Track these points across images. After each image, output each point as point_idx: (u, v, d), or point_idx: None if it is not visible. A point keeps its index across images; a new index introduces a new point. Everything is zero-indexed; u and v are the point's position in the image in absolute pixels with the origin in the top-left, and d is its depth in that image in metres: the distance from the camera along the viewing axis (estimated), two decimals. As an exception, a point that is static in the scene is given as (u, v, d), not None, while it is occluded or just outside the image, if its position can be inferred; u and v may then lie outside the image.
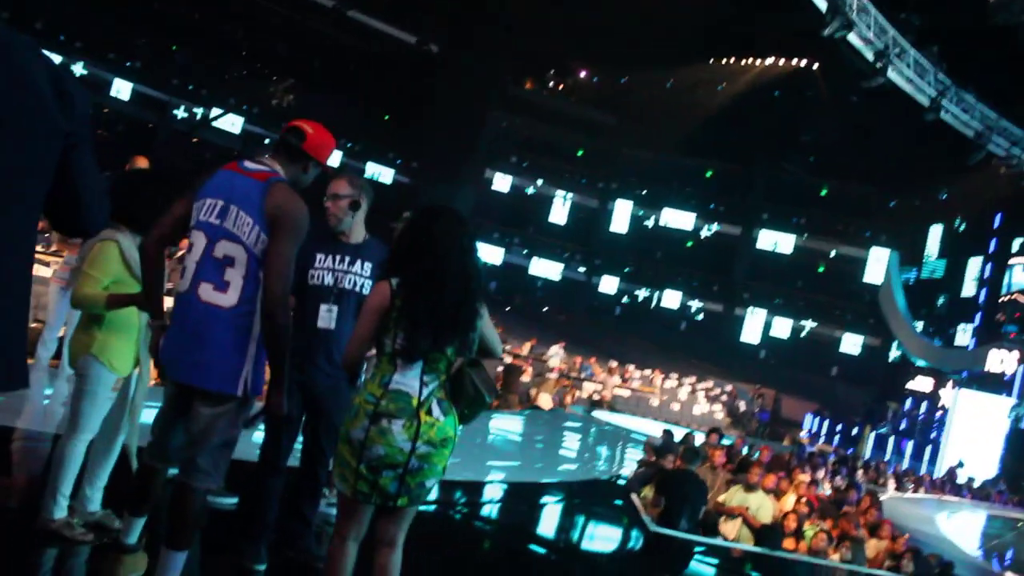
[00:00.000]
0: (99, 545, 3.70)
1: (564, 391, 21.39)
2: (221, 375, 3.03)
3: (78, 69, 32.96)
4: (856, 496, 11.44)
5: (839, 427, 30.83)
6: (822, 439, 29.98)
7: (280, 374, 3.08)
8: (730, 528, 9.15)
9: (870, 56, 21.04)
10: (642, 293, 42.51)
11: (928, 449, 28.65)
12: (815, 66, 35.92)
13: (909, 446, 29.21)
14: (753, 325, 40.41)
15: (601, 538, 7.75)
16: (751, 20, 33.67)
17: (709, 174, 42.11)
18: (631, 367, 27.86)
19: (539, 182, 43.06)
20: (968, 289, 34.74)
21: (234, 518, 4.20)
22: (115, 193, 3.60)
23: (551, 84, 43.55)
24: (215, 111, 37.41)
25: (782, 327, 40.02)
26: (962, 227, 36.33)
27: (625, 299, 42.51)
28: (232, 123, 38.15)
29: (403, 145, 42.90)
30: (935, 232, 37.71)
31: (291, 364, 3.25)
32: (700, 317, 41.61)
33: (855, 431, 29.38)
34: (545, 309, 39.45)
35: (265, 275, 3.03)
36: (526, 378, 20.32)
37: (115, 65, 34.92)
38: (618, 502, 8.83)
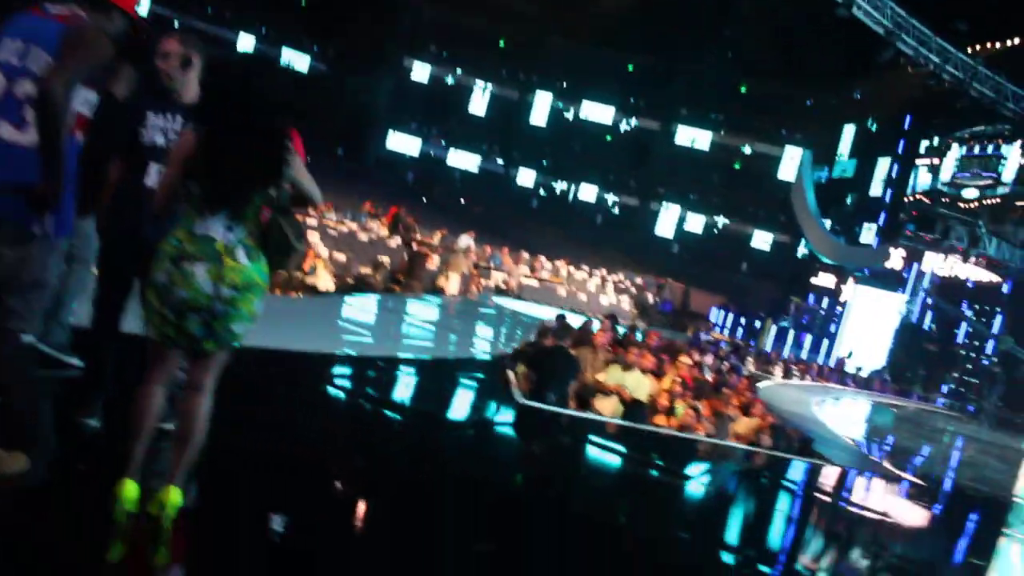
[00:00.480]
0: None
1: (469, 279, 21.54)
2: (22, 211, 2.95)
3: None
4: (736, 379, 11.81)
5: (743, 320, 31.69)
6: (726, 331, 30.84)
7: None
8: (605, 405, 9.37)
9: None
10: (560, 186, 42.55)
11: (826, 342, 29.69)
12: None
13: (808, 339, 30.23)
14: (667, 220, 40.93)
15: (470, 408, 7.86)
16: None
17: (631, 68, 41.71)
18: (542, 258, 27.96)
19: (458, 72, 42.29)
20: (875, 189, 35.52)
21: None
22: None
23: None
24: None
25: (696, 222, 40.64)
26: (874, 127, 36.88)
27: (543, 192, 42.51)
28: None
29: (320, 31, 41.58)
30: (848, 132, 38.21)
31: (122, 223, 3.13)
32: (616, 211, 41.92)
33: (758, 324, 30.24)
34: (462, 201, 39.22)
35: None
36: (432, 266, 20.34)
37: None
38: (491, 378, 8.94)
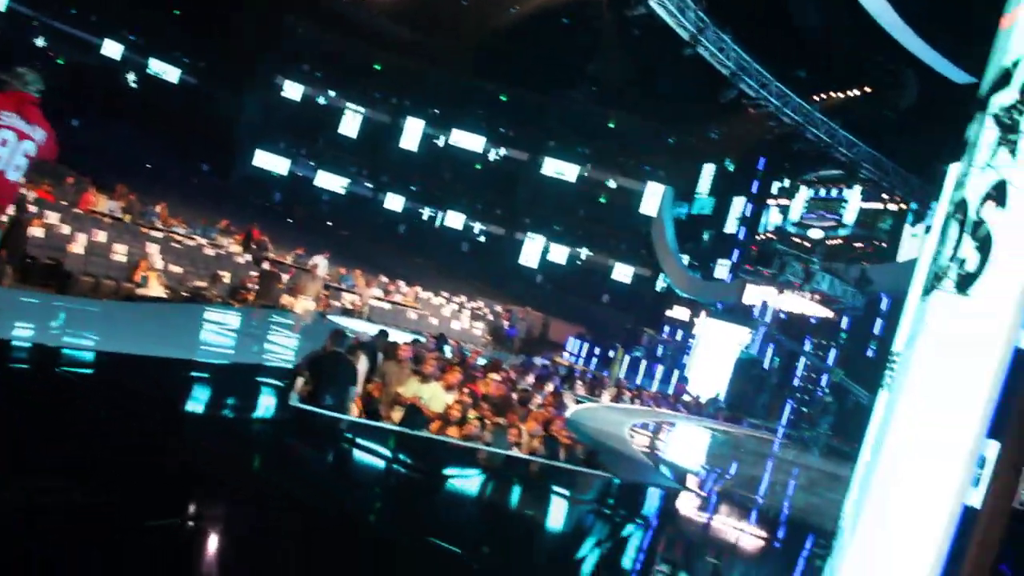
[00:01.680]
0: None
1: (317, 300, 21.35)
2: None
3: None
4: (540, 398, 12.01)
5: (598, 350, 32.24)
6: (581, 360, 31.29)
7: None
8: (395, 414, 9.41)
9: (634, -15, 21.59)
10: (427, 212, 42.61)
11: (676, 373, 30.46)
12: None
13: (660, 369, 30.95)
14: (532, 250, 41.41)
15: (240, 410, 7.74)
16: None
17: (504, 98, 42.28)
18: (401, 283, 27.91)
19: (331, 93, 42.05)
20: (731, 226, 36.84)
21: None
22: None
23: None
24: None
25: (559, 253, 41.25)
26: (731, 167, 38.30)
27: (410, 217, 42.48)
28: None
29: (192, 44, 40.81)
30: (707, 171, 39.56)
31: None
32: (482, 239, 42.21)
33: (611, 353, 30.81)
34: (328, 223, 38.85)
35: None
36: (281, 285, 20.10)
37: None
38: (278, 384, 8.85)
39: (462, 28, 37.76)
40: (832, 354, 28.39)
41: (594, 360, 31.86)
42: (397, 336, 12.75)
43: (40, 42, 37.47)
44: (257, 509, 4.84)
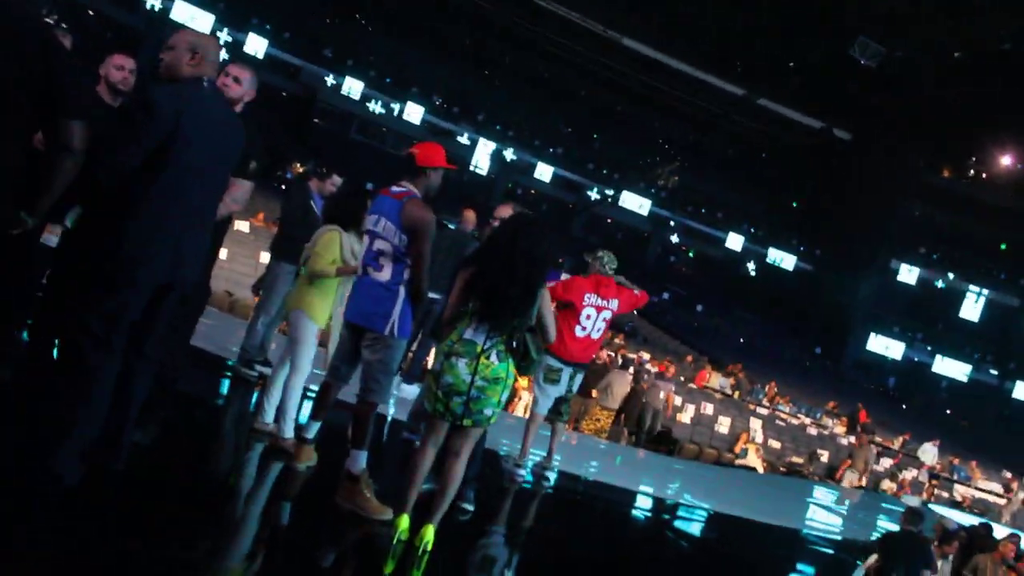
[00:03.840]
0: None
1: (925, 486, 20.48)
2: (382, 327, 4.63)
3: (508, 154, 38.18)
4: None
5: None
6: None
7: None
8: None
9: None
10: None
11: None
12: None
13: None
14: None
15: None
16: None
17: None
18: (1030, 478, 25.12)
19: (950, 276, 40.25)
20: None
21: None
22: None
23: (971, 172, 40.60)
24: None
25: None
26: None
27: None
28: (640, 204, 40.84)
29: (808, 232, 42.78)
30: None
31: None
32: None
33: None
34: (947, 411, 36.58)
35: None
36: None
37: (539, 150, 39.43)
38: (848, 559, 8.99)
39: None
40: None
41: None
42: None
43: (674, 238, 42.58)
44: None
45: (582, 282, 6.98)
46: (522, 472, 6.79)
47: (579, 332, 6.85)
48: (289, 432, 5.22)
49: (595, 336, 6.96)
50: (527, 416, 7.31)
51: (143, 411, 3.86)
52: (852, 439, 19.19)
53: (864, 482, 17.00)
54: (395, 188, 4.71)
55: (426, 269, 4.58)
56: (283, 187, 25.62)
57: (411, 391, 7.99)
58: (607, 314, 6.96)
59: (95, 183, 3.39)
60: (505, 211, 5.62)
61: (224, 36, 32.50)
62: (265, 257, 10.65)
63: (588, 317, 6.87)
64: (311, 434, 5.02)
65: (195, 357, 6.44)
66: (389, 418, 7.24)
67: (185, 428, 5.60)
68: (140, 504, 3.95)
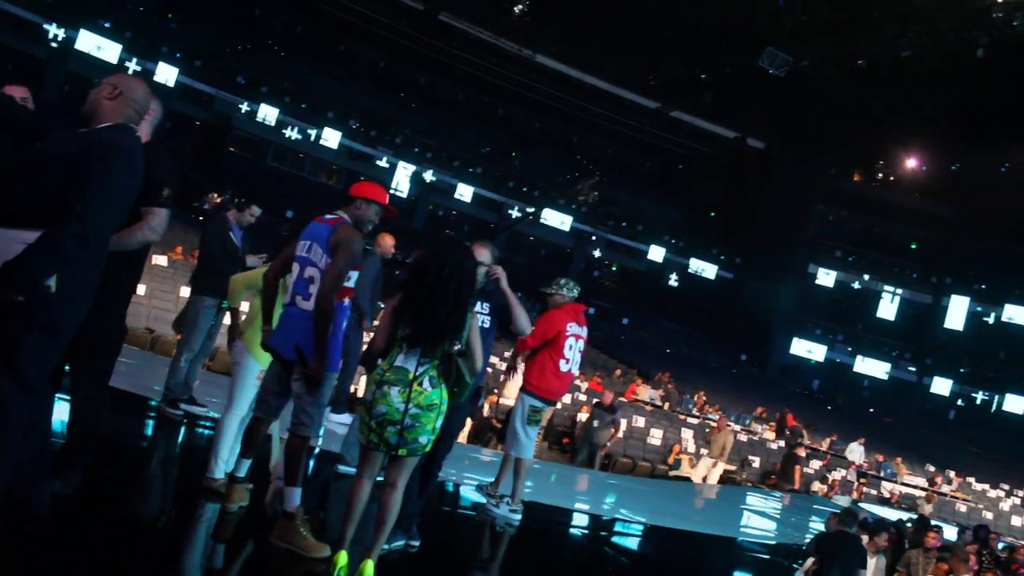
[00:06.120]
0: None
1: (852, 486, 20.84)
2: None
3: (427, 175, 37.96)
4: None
5: None
6: None
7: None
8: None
9: None
10: (980, 396, 38.77)
11: None
12: None
13: None
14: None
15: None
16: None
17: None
18: (951, 473, 25.82)
19: (866, 277, 41.31)
20: None
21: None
22: None
23: (879, 175, 41.82)
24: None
25: None
26: None
27: (960, 402, 38.99)
28: (561, 221, 40.89)
29: (727, 240, 43.47)
30: None
31: None
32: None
33: None
34: (871, 410, 37.40)
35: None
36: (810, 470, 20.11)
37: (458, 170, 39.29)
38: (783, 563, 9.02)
39: (1001, 194, 35.27)
40: None
41: None
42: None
43: (597, 253, 42.80)
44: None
45: (559, 314, 6.87)
46: (517, 517, 6.69)
47: (563, 366, 6.75)
48: (220, 472, 5.02)
49: (575, 370, 6.91)
50: (505, 458, 6.96)
51: (63, 456, 3.73)
52: (713, 424, 19.04)
53: (718, 467, 16.91)
54: (328, 216, 4.63)
55: (335, 285, 4.40)
56: (200, 218, 25.04)
57: (341, 420, 7.82)
58: (582, 343, 6.89)
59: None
60: (482, 252, 5.28)
61: (133, 66, 31.59)
62: (185, 292, 10.31)
63: (570, 347, 6.78)
64: (242, 472, 4.83)
65: (117, 398, 6.14)
66: (317, 449, 7.04)
67: (110, 472, 5.31)
68: (65, 552, 3.75)
